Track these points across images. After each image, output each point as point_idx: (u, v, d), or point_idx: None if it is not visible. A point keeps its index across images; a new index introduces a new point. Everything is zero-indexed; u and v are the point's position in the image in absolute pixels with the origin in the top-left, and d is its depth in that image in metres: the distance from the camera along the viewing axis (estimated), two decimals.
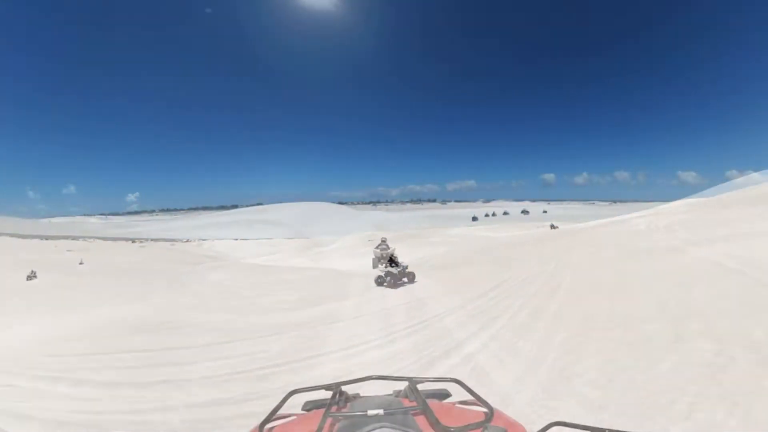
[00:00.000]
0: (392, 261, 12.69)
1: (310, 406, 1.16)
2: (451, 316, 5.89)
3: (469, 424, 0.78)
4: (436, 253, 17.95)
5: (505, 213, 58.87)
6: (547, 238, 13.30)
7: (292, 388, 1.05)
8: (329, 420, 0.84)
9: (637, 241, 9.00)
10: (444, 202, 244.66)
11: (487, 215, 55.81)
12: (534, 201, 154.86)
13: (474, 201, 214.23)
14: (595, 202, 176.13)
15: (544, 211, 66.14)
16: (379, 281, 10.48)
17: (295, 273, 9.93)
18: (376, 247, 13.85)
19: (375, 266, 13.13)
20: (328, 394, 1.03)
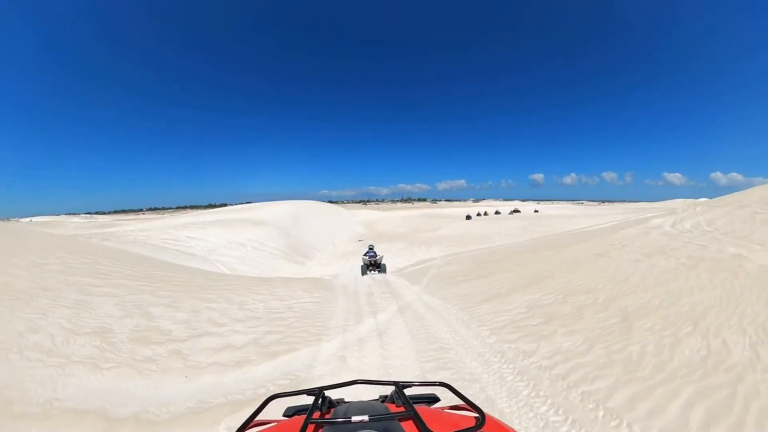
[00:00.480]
0: (377, 265, 14.22)
1: (291, 412, 1.10)
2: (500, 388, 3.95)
3: (459, 431, 0.72)
4: (436, 257, 16.13)
5: (497, 212, 57.64)
6: (565, 242, 11.58)
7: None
8: (311, 426, 0.79)
9: (677, 245, 7.27)
10: (434, 201, 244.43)
11: (479, 214, 54.50)
12: (523, 201, 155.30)
13: (464, 200, 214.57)
14: (584, 202, 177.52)
15: (536, 211, 65.41)
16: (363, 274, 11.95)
17: (262, 290, 7.80)
18: (365, 255, 14.76)
19: (364, 273, 13.77)
20: (311, 400, 0.96)
